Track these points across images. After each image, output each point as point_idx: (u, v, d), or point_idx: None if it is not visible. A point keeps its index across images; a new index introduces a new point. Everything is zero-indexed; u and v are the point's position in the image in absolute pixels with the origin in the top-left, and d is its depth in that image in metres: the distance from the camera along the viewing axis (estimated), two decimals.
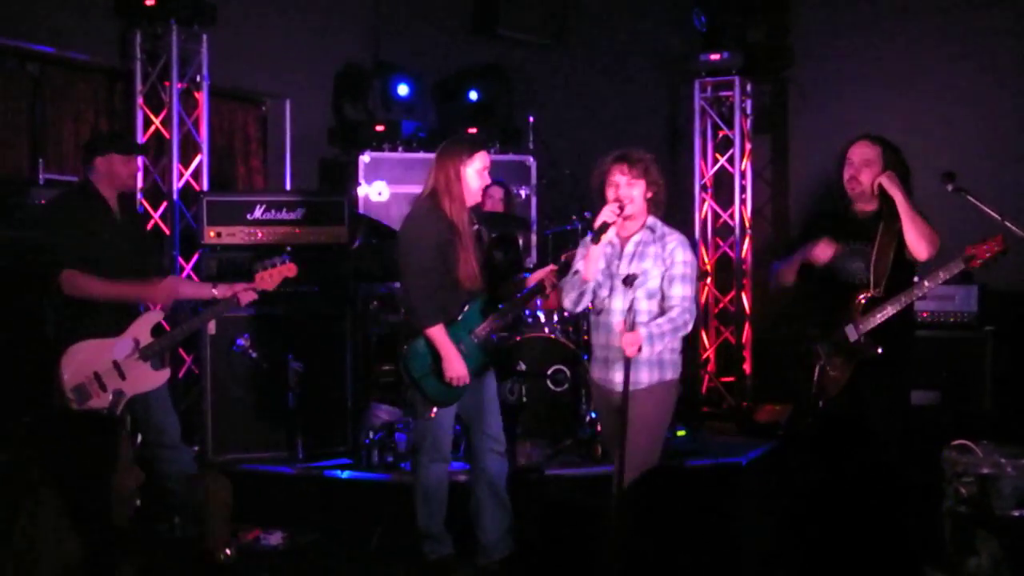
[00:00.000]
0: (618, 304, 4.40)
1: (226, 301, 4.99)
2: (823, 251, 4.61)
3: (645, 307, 4.38)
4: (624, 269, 4.40)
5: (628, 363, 4.24)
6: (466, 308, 4.70)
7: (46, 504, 2.39)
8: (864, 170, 4.58)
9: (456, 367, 4.61)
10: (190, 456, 5.21)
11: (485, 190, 6.71)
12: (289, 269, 5.11)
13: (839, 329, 4.58)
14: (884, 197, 4.57)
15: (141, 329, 4.88)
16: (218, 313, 5.07)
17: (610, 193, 4.42)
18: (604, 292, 4.47)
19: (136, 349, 4.83)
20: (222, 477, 4.68)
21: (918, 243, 4.46)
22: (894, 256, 4.54)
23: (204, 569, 4.23)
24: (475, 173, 4.65)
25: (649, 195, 4.45)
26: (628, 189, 4.41)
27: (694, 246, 7.79)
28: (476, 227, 4.75)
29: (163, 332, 4.96)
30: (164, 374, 4.97)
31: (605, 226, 4.35)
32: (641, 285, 4.35)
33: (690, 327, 4.41)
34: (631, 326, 4.28)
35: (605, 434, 4.94)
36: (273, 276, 5.05)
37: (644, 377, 4.37)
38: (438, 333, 4.60)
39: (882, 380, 4.56)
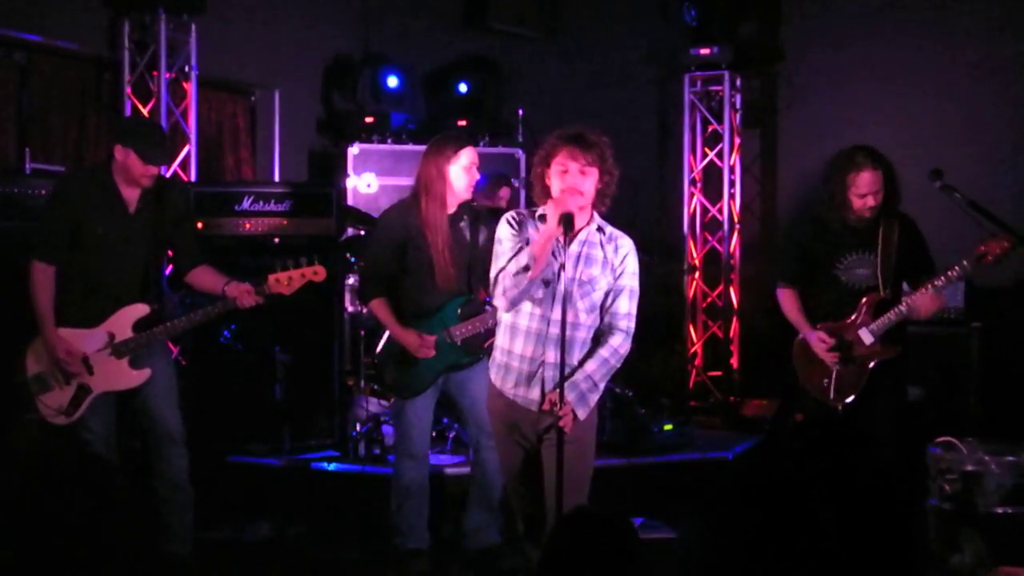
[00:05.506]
0: (558, 315, 3.69)
1: (224, 302, 4.42)
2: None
3: (585, 320, 3.78)
4: (569, 272, 3.73)
5: (563, 379, 3.64)
6: (445, 306, 4.65)
7: None
8: (874, 197, 4.61)
9: (406, 338, 4.58)
10: (185, 462, 4.61)
11: (496, 191, 6.67)
12: (316, 272, 4.40)
13: (850, 332, 4.65)
14: (884, 205, 4.61)
15: (120, 322, 4.40)
16: (209, 314, 4.45)
17: (557, 181, 3.72)
18: (538, 294, 3.76)
19: (109, 344, 4.38)
20: None
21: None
22: (896, 259, 4.62)
23: None
24: (461, 170, 4.59)
25: (599, 186, 3.75)
26: (581, 179, 3.70)
27: (682, 240, 7.81)
28: (462, 224, 4.69)
29: (144, 328, 4.43)
30: (143, 374, 4.43)
31: (571, 216, 3.65)
32: (586, 295, 3.77)
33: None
34: (555, 387, 3.66)
35: (509, 466, 3.98)
36: (293, 279, 4.38)
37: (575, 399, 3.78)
38: (378, 307, 4.66)
39: (884, 382, 4.66)
